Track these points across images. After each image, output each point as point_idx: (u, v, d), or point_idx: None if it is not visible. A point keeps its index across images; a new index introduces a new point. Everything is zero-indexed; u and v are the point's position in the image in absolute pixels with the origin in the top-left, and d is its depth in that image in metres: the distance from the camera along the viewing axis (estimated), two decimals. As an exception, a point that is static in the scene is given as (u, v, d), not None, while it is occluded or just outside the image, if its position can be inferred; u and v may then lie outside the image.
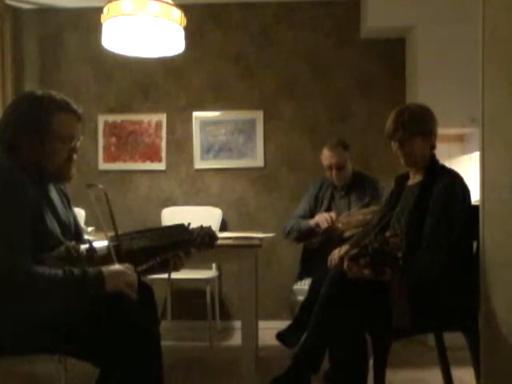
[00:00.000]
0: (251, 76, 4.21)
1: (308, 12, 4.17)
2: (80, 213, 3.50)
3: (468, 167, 3.66)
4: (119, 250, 1.68)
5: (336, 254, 2.30)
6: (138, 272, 1.71)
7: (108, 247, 1.67)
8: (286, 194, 4.16)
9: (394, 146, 2.27)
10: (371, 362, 2.09)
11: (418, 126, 2.22)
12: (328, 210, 3.21)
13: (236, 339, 3.73)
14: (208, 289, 3.67)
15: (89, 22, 4.12)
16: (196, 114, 4.22)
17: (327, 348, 2.16)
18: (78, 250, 1.66)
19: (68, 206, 1.87)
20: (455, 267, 2.07)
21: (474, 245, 2.17)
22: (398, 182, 2.41)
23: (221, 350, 3.60)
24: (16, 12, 4.13)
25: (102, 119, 4.25)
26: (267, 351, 3.31)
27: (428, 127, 2.25)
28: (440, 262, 2.03)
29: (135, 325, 1.59)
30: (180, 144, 4.24)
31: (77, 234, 1.87)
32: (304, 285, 3.07)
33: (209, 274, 3.75)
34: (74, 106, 1.74)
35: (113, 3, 2.60)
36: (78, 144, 1.77)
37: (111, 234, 1.72)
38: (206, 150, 4.22)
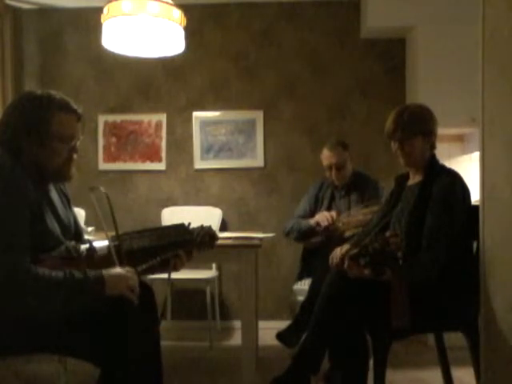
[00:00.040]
0: (251, 76, 4.21)
1: (308, 12, 4.17)
2: (80, 213, 3.50)
3: (468, 167, 3.66)
4: (120, 250, 1.67)
5: (338, 252, 2.30)
6: (138, 272, 1.70)
7: (108, 247, 1.67)
8: (286, 194, 4.16)
9: (394, 146, 2.27)
10: (371, 362, 2.09)
11: (418, 126, 2.22)
12: (328, 209, 3.21)
13: (236, 339, 3.73)
14: (208, 289, 3.67)
15: (89, 22, 4.12)
16: (196, 114, 4.22)
17: (327, 348, 2.17)
18: (78, 250, 1.66)
19: (68, 206, 1.87)
20: (455, 267, 2.07)
21: (474, 245, 2.17)
22: (398, 181, 2.41)
23: (221, 350, 3.60)
24: (16, 12, 4.13)
25: (102, 119, 4.25)
26: (267, 351, 3.31)
27: (428, 127, 2.24)
28: (440, 262, 2.03)
29: (135, 325, 1.59)
30: (180, 144, 4.24)
31: (77, 234, 1.87)
32: (304, 285, 3.08)
33: (209, 274, 3.75)
34: (74, 106, 1.74)
35: (113, 3, 2.60)
36: (78, 144, 1.77)
37: (112, 233, 1.72)
38: (206, 150, 4.22)
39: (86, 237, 1.92)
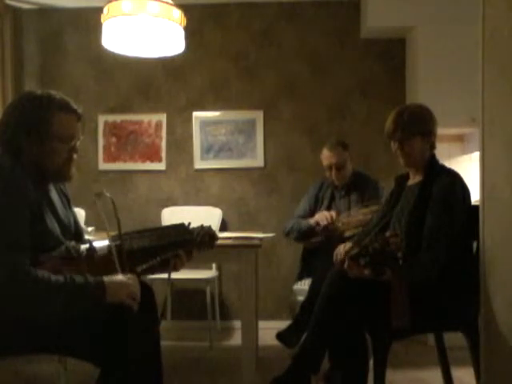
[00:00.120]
0: (251, 76, 4.21)
1: (308, 12, 4.17)
2: (80, 213, 3.50)
3: (468, 167, 3.66)
4: (121, 250, 1.67)
5: (341, 249, 2.30)
6: (138, 272, 1.70)
7: (109, 247, 1.67)
8: (286, 194, 4.16)
9: (394, 146, 2.27)
10: (371, 362, 2.09)
11: (418, 126, 2.22)
12: (328, 209, 3.20)
13: (236, 339, 3.73)
14: (208, 289, 3.67)
15: (89, 22, 4.12)
16: (196, 114, 4.22)
17: (327, 348, 2.17)
18: (78, 250, 1.65)
19: (68, 206, 1.87)
20: (455, 267, 2.07)
21: (474, 245, 2.17)
22: (398, 181, 2.41)
23: (221, 350, 3.60)
24: (16, 12, 4.13)
25: (102, 119, 4.24)
26: (267, 351, 3.31)
27: (427, 127, 2.25)
28: (440, 262, 2.03)
29: (135, 325, 1.59)
30: (180, 144, 4.24)
31: (77, 234, 1.87)
32: (304, 285, 3.08)
33: (209, 274, 3.75)
34: (74, 106, 1.74)
35: (113, 3, 2.60)
36: (78, 144, 1.77)
37: (113, 233, 1.72)
38: (206, 150, 4.22)
39: (86, 237, 1.92)
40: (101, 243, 1.70)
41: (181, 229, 1.83)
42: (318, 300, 2.12)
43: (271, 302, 4.10)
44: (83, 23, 4.20)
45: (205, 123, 4.21)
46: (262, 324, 3.43)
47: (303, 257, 3.30)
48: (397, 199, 2.34)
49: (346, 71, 4.16)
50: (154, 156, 4.23)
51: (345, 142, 3.31)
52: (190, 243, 1.83)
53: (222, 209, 4.10)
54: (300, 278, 3.20)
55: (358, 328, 2.13)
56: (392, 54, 4.14)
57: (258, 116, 4.19)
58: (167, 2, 2.65)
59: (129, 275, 1.63)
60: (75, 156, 1.76)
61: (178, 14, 2.69)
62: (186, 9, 2.77)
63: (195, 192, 4.23)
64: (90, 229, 2.61)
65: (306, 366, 2.09)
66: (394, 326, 1.89)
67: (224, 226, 4.09)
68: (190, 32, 3.35)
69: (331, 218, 3.04)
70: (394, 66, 4.14)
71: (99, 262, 1.64)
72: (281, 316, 3.94)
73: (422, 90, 3.71)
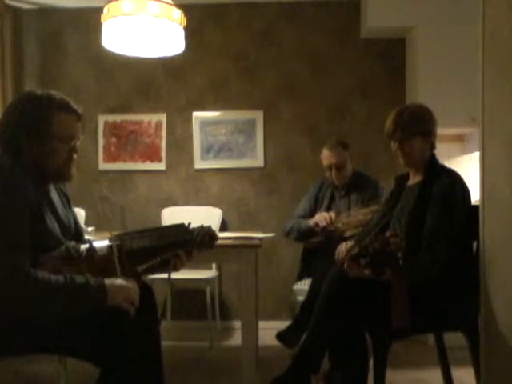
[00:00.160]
0: (251, 76, 4.21)
1: (308, 12, 4.17)
2: (80, 213, 3.50)
3: (468, 167, 3.66)
4: (120, 250, 1.67)
5: (343, 247, 2.30)
6: (139, 272, 1.70)
7: (111, 246, 1.67)
8: (286, 194, 4.16)
9: (394, 146, 2.27)
10: (371, 362, 2.09)
11: (418, 126, 2.22)
12: (328, 209, 3.21)
13: (236, 339, 3.73)
14: (208, 289, 3.67)
15: (89, 22, 4.12)
16: (196, 114, 4.22)
17: (327, 348, 2.17)
18: (78, 250, 1.65)
19: (68, 206, 1.87)
20: (455, 267, 2.07)
21: (474, 245, 2.17)
22: (398, 181, 2.41)
23: (221, 350, 3.60)
24: (16, 12, 4.13)
25: (102, 119, 4.24)
26: (267, 351, 3.31)
27: (427, 127, 2.25)
28: (440, 262, 2.03)
29: (135, 325, 1.59)
30: (180, 144, 4.24)
31: (77, 234, 1.86)
32: (304, 285, 3.07)
33: (209, 274, 3.75)
34: (74, 106, 1.74)
35: (113, 3, 2.60)
36: (78, 144, 1.77)
37: (115, 233, 1.72)
38: (206, 150, 4.22)
39: (86, 237, 1.92)
40: (101, 243, 1.70)
41: (181, 229, 1.83)
42: (317, 300, 2.12)
43: (271, 302, 4.10)
44: (83, 23, 4.20)
45: (205, 123, 4.21)
46: (261, 324, 3.43)
47: (303, 257, 3.30)
48: (397, 199, 2.34)
49: (346, 71, 4.16)
50: (154, 156, 4.23)
51: (345, 141, 3.31)
52: (190, 243, 1.83)
53: (222, 209, 4.09)
54: (300, 278, 3.20)
55: (357, 328, 2.13)
56: (392, 54, 4.14)
57: (258, 116, 4.19)
58: (167, 2, 2.65)
59: (130, 280, 1.63)
60: (75, 156, 1.76)
61: (178, 14, 2.69)
62: (185, 9, 2.77)
63: (195, 192, 4.23)
64: (89, 229, 2.61)
65: (306, 365, 2.09)
66: (394, 326, 1.89)
67: (224, 226, 4.09)
68: (190, 32, 3.34)
69: (330, 219, 3.04)
70: (394, 66, 4.13)
71: (99, 262, 1.64)
72: (281, 316, 3.94)
73: (422, 90, 3.71)
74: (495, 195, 1.95)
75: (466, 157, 3.90)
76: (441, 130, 2.34)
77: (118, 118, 4.24)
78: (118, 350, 1.54)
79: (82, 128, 1.78)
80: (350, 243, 2.27)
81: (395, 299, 1.89)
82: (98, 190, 4.13)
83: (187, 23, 2.81)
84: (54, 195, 1.78)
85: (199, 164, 4.22)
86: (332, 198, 3.28)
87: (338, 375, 2.26)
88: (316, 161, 3.55)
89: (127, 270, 1.66)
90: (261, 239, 2.71)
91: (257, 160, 4.19)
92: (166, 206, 4.15)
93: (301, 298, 2.92)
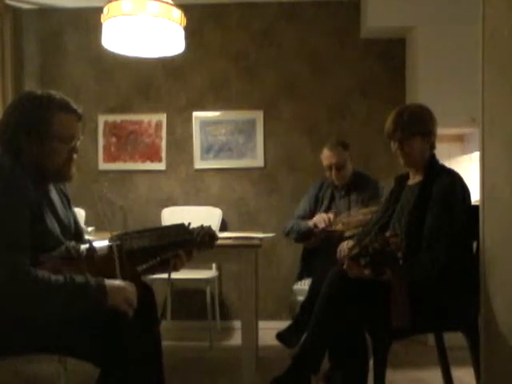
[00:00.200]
0: (251, 76, 4.21)
1: (308, 12, 4.17)
2: (80, 213, 3.50)
3: (468, 167, 3.66)
4: (120, 250, 1.67)
5: (345, 245, 2.30)
6: (139, 272, 1.70)
7: (111, 246, 1.67)
8: (286, 194, 4.16)
9: (394, 146, 2.27)
10: (371, 362, 2.09)
11: (418, 126, 2.22)
12: (328, 210, 3.21)
13: (236, 339, 3.73)
14: (208, 289, 3.67)
15: (89, 22, 4.12)
16: (196, 114, 4.22)
17: (327, 348, 2.17)
18: (78, 250, 1.65)
19: (68, 206, 1.87)
20: (455, 267, 2.07)
21: (474, 245, 2.17)
22: (398, 181, 2.41)
23: (221, 350, 3.60)
24: (16, 12, 4.13)
25: (102, 119, 4.25)
26: (267, 351, 3.31)
27: (427, 127, 2.25)
28: (440, 262, 2.03)
29: (135, 325, 1.59)
30: (180, 144, 4.24)
31: (77, 234, 1.87)
32: (304, 285, 3.07)
33: (209, 274, 3.75)
34: (74, 106, 1.74)
35: (113, 3, 2.60)
36: (78, 144, 1.77)
37: (115, 233, 1.72)
38: (206, 150, 4.22)
39: (86, 237, 1.92)
40: (101, 243, 1.70)
41: (181, 229, 1.83)
42: (317, 300, 2.12)
43: (271, 301, 4.10)
44: (83, 23, 4.20)
45: (205, 123, 4.21)
46: (261, 324, 3.43)
47: (303, 257, 3.30)
48: (397, 199, 2.34)
49: (345, 71, 4.16)
50: (154, 156, 4.23)
51: (345, 141, 3.31)
52: (190, 243, 1.83)
53: (222, 209, 4.10)
54: (300, 278, 3.20)
55: (357, 328, 2.13)
56: (392, 54, 4.14)
57: (258, 116, 4.19)
58: (167, 2, 2.65)
59: (128, 282, 1.63)
60: (75, 156, 1.76)
61: (178, 14, 2.69)
62: (185, 9, 2.77)
63: (195, 192, 4.23)
64: (89, 229, 2.61)
65: (306, 365, 2.09)
66: (394, 326, 1.89)
67: (224, 226, 4.09)
68: (190, 32, 3.35)
69: (329, 220, 3.04)
70: (394, 66, 4.13)
71: (99, 262, 1.64)
72: (281, 316, 3.94)
73: (422, 90, 3.71)
74: (495, 195, 1.95)
75: (466, 157, 3.90)
76: (441, 130, 2.34)
77: (117, 118, 4.24)
78: (118, 349, 1.54)
79: (82, 128, 1.78)
80: (351, 242, 2.27)
81: (395, 299, 1.89)
82: (98, 189, 4.13)
83: (187, 23, 2.81)
84: (54, 195, 1.78)
85: (199, 164, 4.22)
86: (332, 198, 3.28)
87: (338, 375, 2.26)
88: (316, 161, 3.55)
89: (127, 270, 1.66)
90: (261, 239, 2.71)
91: (257, 160, 4.19)
92: (166, 206, 4.15)
93: (301, 298, 2.91)
